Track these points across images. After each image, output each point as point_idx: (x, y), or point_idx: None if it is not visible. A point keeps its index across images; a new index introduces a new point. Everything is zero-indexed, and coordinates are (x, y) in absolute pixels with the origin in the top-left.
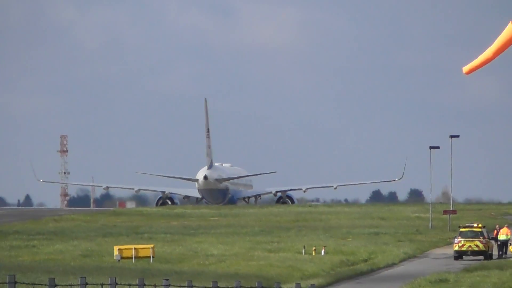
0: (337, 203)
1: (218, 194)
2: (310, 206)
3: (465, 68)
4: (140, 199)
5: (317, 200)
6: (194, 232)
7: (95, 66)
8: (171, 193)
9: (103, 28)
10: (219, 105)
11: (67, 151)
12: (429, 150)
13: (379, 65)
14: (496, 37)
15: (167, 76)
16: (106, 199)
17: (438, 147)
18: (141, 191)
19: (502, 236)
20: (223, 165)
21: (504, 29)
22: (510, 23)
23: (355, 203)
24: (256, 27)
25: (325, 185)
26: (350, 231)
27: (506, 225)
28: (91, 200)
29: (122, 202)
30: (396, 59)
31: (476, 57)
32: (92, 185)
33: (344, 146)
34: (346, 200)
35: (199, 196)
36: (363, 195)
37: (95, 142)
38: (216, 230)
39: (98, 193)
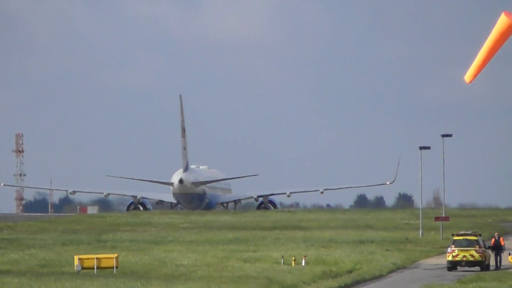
0: (319, 208)
1: (195, 198)
2: (288, 212)
3: (467, 77)
4: (103, 204)
5: (296, 205)
6: (162, 240)
7: (50, 59)
8: (143, 197)
9: (56, 18)
10: (193, 103)
11: (23, 151)
12: (419, 150)
13: (363, 58)
14: (489, 32)
15: (131, 69)
16: (65, 203)
17: (428, 148)
18: (111, 196)
19: None
20: (200, 167)
21: (496, 22)
22: (502, 14)
23: (338, 209)
24: (226, 15)
25: (311, 189)
26: (333, 239)
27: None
28: (49, 205)
29: (83, 207)
30: (381, 51)
31: (470, 53)
32: (55, 190)
33: (328, 147)
34: (328, 205)
35: (174, 201)
36: (347, 200)
37: (54, 141)
38: (186, 238)
39: (56, 197)
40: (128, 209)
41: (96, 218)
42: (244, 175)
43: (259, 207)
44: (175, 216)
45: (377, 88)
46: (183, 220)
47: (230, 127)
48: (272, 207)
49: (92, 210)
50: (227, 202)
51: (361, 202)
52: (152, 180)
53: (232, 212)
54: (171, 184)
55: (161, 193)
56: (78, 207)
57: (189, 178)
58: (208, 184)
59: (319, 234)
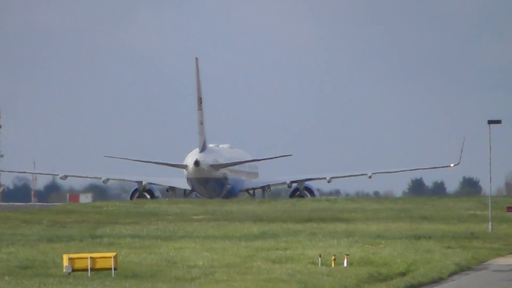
0: (365, 196)
1: (214, 184)
2: (328, 200)
3: None
4: (99, 191)
5: (337, 192)
6: (172, 236)
7: (35, 14)
8: (151, 183)
9: None
10: (211, 67)
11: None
12: (488, 125)
13: (420, 16)
14: None
15: (133, 26)
16: (52, 191)
17: (499, 121)
18: (110, 181)
19: None
20: (220, 146)
21: None
22: None
23: (388, 197)
24: None
25: (356, 173)
26: (381, 234)
27: None
28: (32, 193)
29: (74, 195)
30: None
31: None
32: (40, 174)
33: (376, 122)
34: (376, 193)
35: (188, 187)
36: (399, 186)
37: (38, 115)
38: (201, 233)
39: (41, 183)
40: (131, 197)
41: (91, 208)
42: (275, 156)
43: (292, 194)
44: (189, 205)
45: (434, 52)
46: (198, 210)
47: (256, 98)
48: (308, 195)
49: (85, 198)
50: (254, 189)
51: (417, 188)
52: (161, 162)
53: (259, 201)
54: (185, 167)
55: (172, 177)
56: (68, 195)
57: (207, 159)
58: (230, 167)
59: (364, 228)
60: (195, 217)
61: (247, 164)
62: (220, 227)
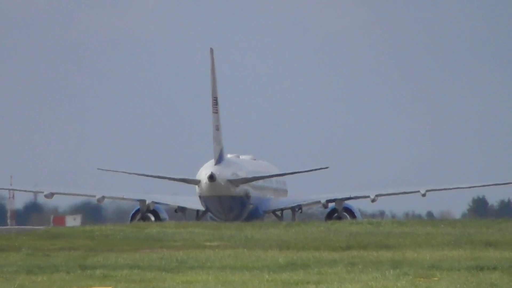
0: (415, 218)
1: (233, 204)
2: (370, 223)
3: None
4: (90, 212)
5: (382, 214)
6: (179, 266)
7: None
8: (156, 203)
9: None
10: (230, 61)
11: None
12: None
13: None
14: None
15: (132, 9)
16: (33, 211)
17: None
18: (106, 200)
19: None
20: (241, 157)
21: None
22: None
23: (444, 219)
24: None
25: (408, 190)
26: (436, 264)
27: None
28: (8, 214)
29: (59, 217)
30: None
31: None
32: (19, 190)
33: (430, 132)
34: (430, 214)
35: (201, 207)
36: (458, 206)
37: (14, 117)
38: (216, 263)
39: (19, 201)
40: (132, 219)
41: (80, 232)
42: (309, 169)
43: (329, 216)
44: (201, 230)
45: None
46: (212, 235)
47: (285, 100)
48: (348, 217)
49: (73, 221)
50: (282, 210)
51: (479, 208)
52: (168, 176)
53: (286, 224)
54: (197, 182)
55: (182, 196)
56: (52, 216)
57: (224, 173)
58: (252, 183)
59: (415, 257)
60: (209, 243)
61: (273, 179)
62: (238, 256)
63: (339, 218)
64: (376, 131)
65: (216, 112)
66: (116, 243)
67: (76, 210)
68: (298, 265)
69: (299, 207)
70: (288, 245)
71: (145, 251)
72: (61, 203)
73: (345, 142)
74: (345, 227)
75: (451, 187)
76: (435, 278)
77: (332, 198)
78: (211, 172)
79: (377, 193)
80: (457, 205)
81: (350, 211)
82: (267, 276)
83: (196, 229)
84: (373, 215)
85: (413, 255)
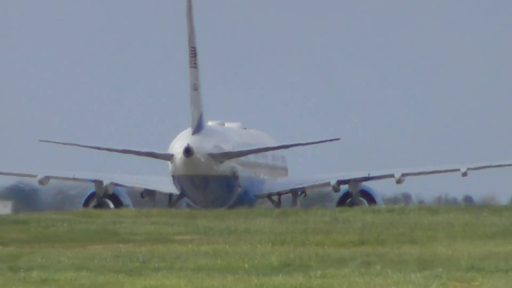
0: (450, 204)
1: (216, 186)
2: (390, 211)
3: None
4: (25, 197)
5: (407, 198)
6: (141, 268)
7: None
8: (116, 184)
9: None
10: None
11: None
12: None
13: None
14: None
15: None
16: None
17: None
18: (52, 181)
19: None
20: (227, 125)
21: None
22: None
23: (487, 205)
24: None
25: (444, 169)
26: (476, 264)
27: None
28: None
29: None
30: None
31: None
32: None
33: (472, 95)
34: (469, 199)
35: (175, 190)
36: (506, 190)
37: None
38: (189, 263)
39: None
40: (85, 204)
41: (11, 223)
42: (316, 141)
43: (342, 202)
44: (169, 219)
45: None
46: (184, 227)
47: (284, 52)
48: (365, 202)
49: (2, 208)
50: (280, 194)
51: None
52: (133, 150)
53: (281, 212)
54: (170, 157)
55: (150, 175)
56: None
57: (205, 145)
58: (242, 158)
59: (449, 255)
60: (180, 237)
61: (269, 154)
62: (218, 253)
63: (354, 203)
64: (399, 92)
65: (194, 67)
66: (59, 237)
67: (6, 194)
68: (295, 265)
69: (302, 190)
70: (283, 239)
71: (97, 247)
72: None
73: (360, 104)
74: (357, 215)
75: (496, 164)
76: (476, 283)
77: (345, 178)
78: (187, 145)
79: (404, 172)
80: (504, 188)
81: (368, 195)
82: (255, 280)
83: (164, 219)
84: (393, 200)
85: (447, 252)
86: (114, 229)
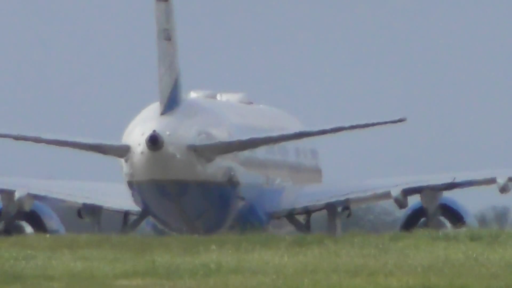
0: None
1: (201, 198)
2: (474, 239)
3: None
4: None
5: (505, 215)
6: None
7: None
8: (36, 196)
9: None
10: None
11: None
12: None
13: None
14: None
15: None
16: None
17: None
18: None
19: None
20: (220, 97)
21: None
22: None
23: None
24: None
25: None
26: None
27: None
28: None
29: None
30: None
31: None
32: None
33: None
34: None
35: (133, 206)
36: None
37: None
38: None
39: None
40: None
41: None
42: (376, 122)
43: (409, 223)
44: (109, 253)
45: None
46: (132, 265)
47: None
48: (446, 225)
49: None
50: (308, 211)
51: None
52: (69, 140)
53: (296, 239)
54: (125, 152)
55: (93, 182)
56: None
57: (182, 131)
58: (244, 153)
59: None
60: (124, 282)
61: (291, 146)
62: None
63: (430, 227)
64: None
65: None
66: None
67: None
68: None
69: (346, 205)
70: (296, 286)
71: None
72: None
73: (430, 74)
74: (420, 245)
75: None
76: None
77: (416, 185)
78: (153, 131)
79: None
80: None
81: (453, 212)
82: None
83: (99, 251)
84: (482, 219)
85: None
86: (18, 270)
